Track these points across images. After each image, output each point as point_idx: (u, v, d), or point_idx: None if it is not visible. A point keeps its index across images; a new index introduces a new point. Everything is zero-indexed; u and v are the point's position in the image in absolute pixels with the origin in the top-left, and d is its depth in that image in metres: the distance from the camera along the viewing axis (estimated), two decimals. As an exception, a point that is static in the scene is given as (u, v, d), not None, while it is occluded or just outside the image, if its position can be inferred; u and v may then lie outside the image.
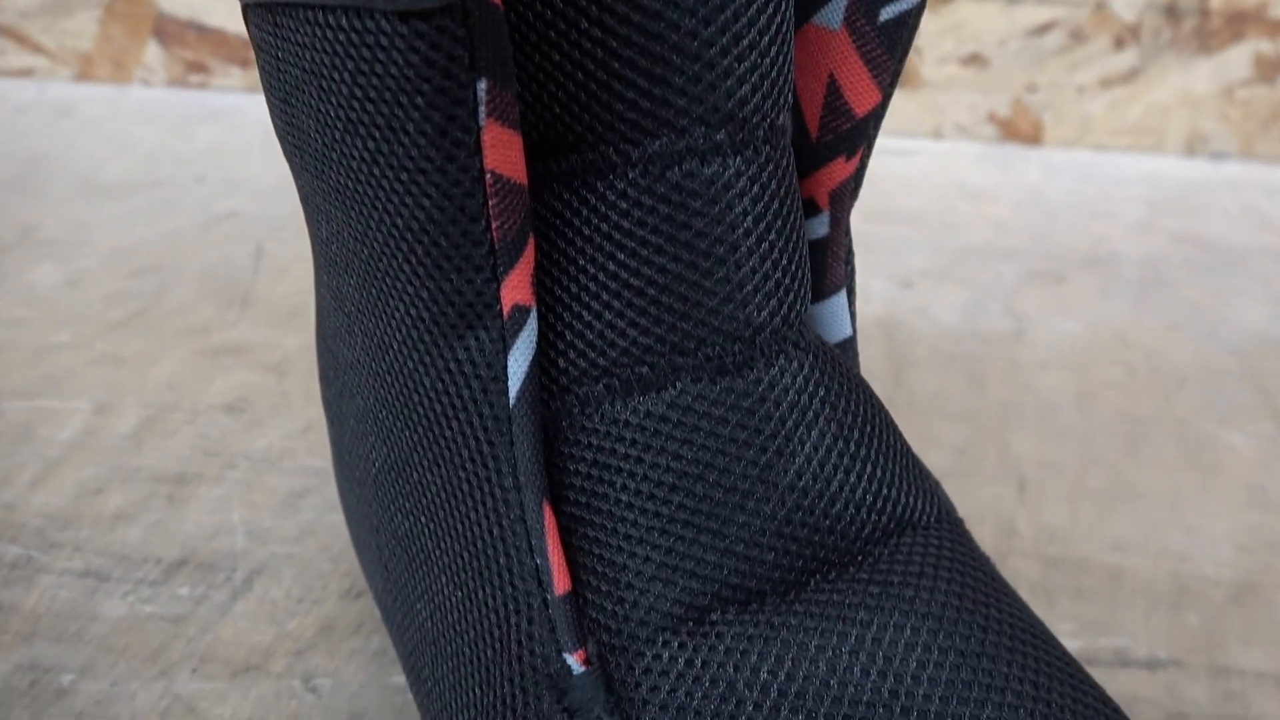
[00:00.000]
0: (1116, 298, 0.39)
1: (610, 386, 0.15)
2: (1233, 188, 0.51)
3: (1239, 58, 0.52)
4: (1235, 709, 0.21)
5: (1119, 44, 0.53)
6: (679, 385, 0.14)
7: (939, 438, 0.30)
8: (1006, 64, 0.55)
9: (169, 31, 0.62)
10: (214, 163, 0.52)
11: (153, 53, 0.63)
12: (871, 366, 0.34)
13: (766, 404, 0.14)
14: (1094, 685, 0.15)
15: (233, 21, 0.61)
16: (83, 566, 0.24)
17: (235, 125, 0.57)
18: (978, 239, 0.44)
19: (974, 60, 0.55)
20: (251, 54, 0.61)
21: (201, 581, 0.24)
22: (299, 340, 0.35)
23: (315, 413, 0.31)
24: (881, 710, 0.13)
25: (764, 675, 0.14)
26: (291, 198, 0.48)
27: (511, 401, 0.14)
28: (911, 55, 0.56)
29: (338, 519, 0.26)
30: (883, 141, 0.56)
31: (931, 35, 0.55)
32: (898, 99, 0.57)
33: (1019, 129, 0.56)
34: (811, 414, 0.15)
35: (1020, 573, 0.25)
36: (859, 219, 0.46)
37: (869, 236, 0.44)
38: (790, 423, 0.15)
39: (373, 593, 0.20)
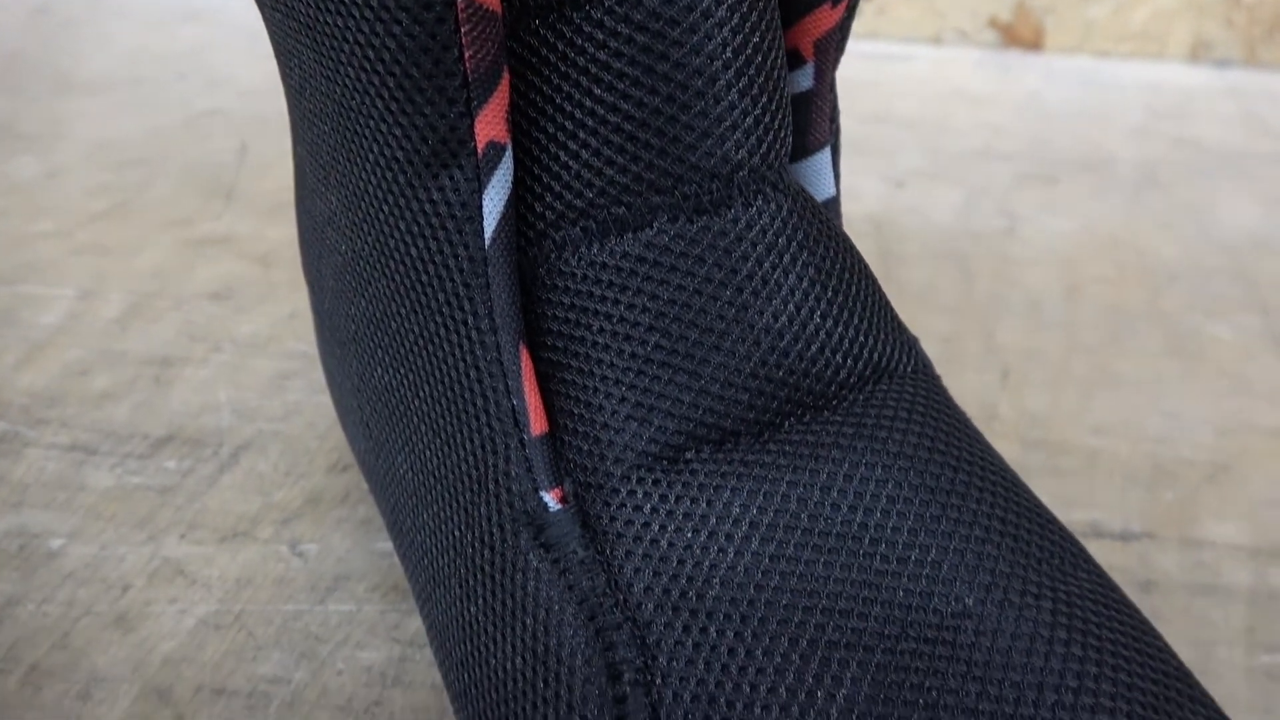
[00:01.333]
0: (1110, 198, 0.39)
1: (587, 229, 0.15)
2: (1234, 94, 0.50)
3: (1248, -41, 0.51)
4: (1205, 577, 0.22)
5: (1125, -56, 0.51)
6: (656, 225, 0.14)
7: (925, 328, 0.30)
8: (1009, -35, 0.53)
9: (147, -73, 0.60)
10: (195, 61, 0.50)
11: (131, -50, 0.61)
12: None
13: (744, 244, 0.14)
14: (1059, 524, 0.15)
15: (212, -83, 0.59)
16: (69, 441, 0.25)
17: (216, 25, 0.56)
18: (974, 142, 0.44)
19: (976, -39, 0.54)
20: (233, -48, 0.59)
21: (189, 456, 0.24)
22: (285, 233, 0.35)
23: (301, 301, 0.31)
24: (850, 542, 0.14)
25: (735, 510, 0.14)
26: (277, 97, 0.47)
27: (487, 241, 0.14)
28: (912, -44, 0.54)
29: (324, 399, 0.26)
30: (881, 47, 0.55)
31: (933, -66, 0.53)
32: (897, 3, 0.56)
33: (1020, 34, 0.55)
34: (789, 257, 0.15)
35: (999, 453, 0.25)
36: (853, 122, 0.45)
37: (863, 139, 0.44)
38: (768, 264, 0.15)
39: (356, 457, 0.20)
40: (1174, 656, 0.14)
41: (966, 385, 0.27)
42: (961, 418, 0.16)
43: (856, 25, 0.56)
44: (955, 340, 0.29)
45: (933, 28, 0.55)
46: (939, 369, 0.28)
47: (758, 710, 0.13)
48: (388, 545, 0.22)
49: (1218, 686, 0.19)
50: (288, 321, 0.29)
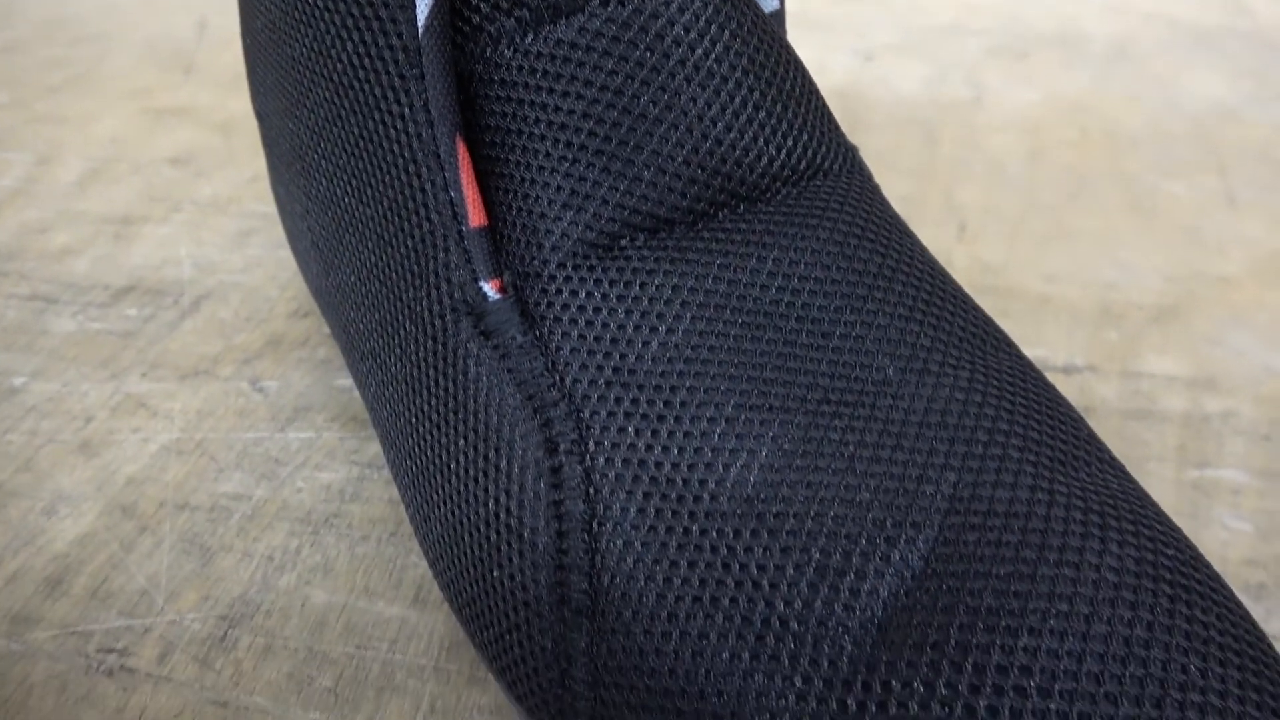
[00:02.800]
0: (1079, 70, 0.38)
1: (521, 19, 0.15)
2: (1212, -26, 0.49)
3: None
4: (1141, 404, 0.22)
5: None
6: (588, 9, 0.14)
7: (886, 187, 0.30)
8: None
9: None
10: (153, -56, 0.49)
11: None
12: (826, 129, 0.34)
13: (676, 28, 0.14)
14: (982, 313, 0.15)
15: None
16: (29, 291, 0.25)
17: (175, -91, 0.54)
18: (945, 19, 0.43)
19: None
20: None
21: (149, 304, 0.24)
22: (245, 105, 0.34)
23: (261, 167, 0.30)
24: (778, 320, 0.14)
25: (668, 292, 0.14)
26: (237, -21, 0.46)
27: (420, 30, 0.14)
28: None
29: (285, 254, 0.26)
30: (858, -69, 0.54)
31: None
32: (875, -115, 0.54)
33: (999, -84, 0.53)
34: (722, 46, 0.15)
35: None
36: (825, 2, 0.45)
37: (834, 16, 0.43)
38: (700, 51, 0.15)
39: (311, 288, 0.21)
40: (1085, 426, 0.14)
41: (923, 237, 0.28)
42: (892, 214, 0.16)
43: (834, -91, 0.55)
44: (915, 199, 0.30)
45: (911, -90, 0.54)
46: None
47: (685, 469, 0.13)
48: (347, 382, 0.22)
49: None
50: (249, 184, 0.29)
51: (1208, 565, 0.13)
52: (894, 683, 0.11)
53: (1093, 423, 0.22)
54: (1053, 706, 0.10)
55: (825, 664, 0.11)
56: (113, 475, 0.20)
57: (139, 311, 0.24)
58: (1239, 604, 0.12)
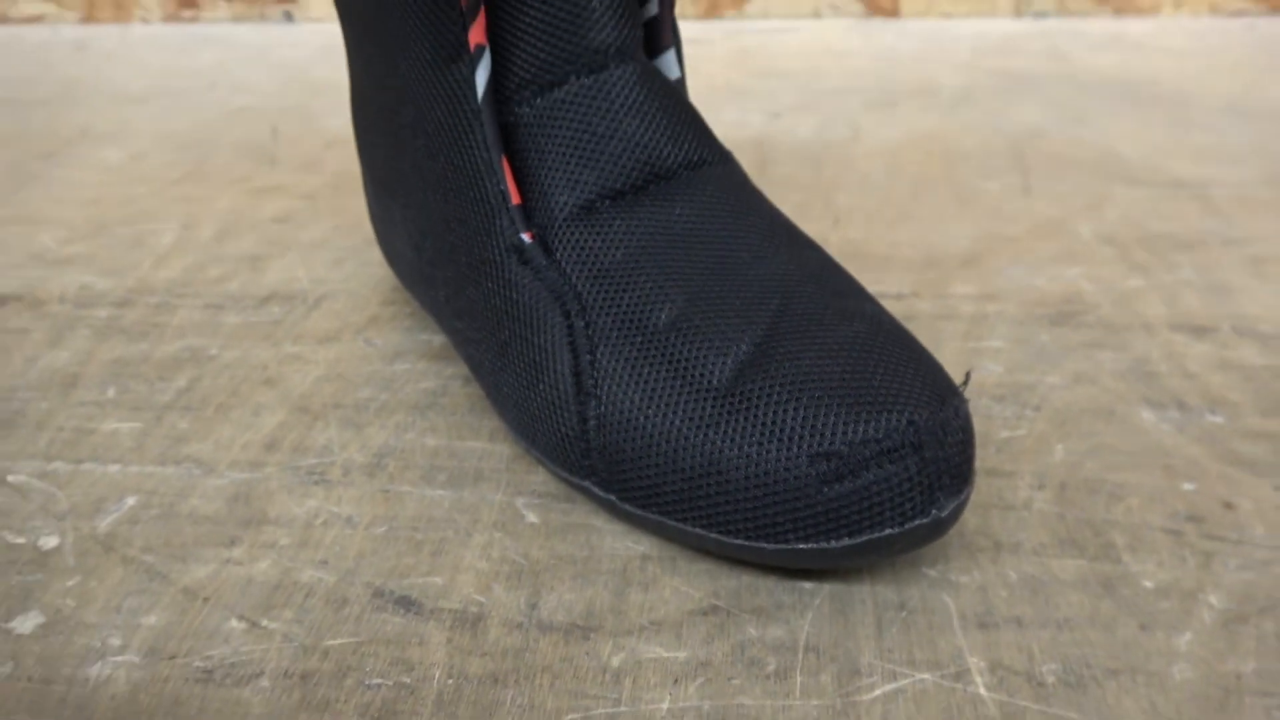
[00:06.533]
0: (933, 112, 0.51)
1: (532, 91, 0.27)
2: (1044, 35, 0.63)
3: (1048, -70, 0.64)
4: (945, 310, 0.34)
5: (952, -74, 0.65)
6: (568, 83, 0.27)
7: (783, 201, 0.42)
8: (866, -50, 0.66)
9: (161, -27, 0.72)
10: (220, 74, 0.62)
11: (148, -7, 0.73)
12: (744, 164, 0.46)
13: (618, 89, 0.27)
14: (812, 242, 0.27)
15: (217, -40, 0.71)
16: (203, 303, 0.36)
17: (230, 47, 0.68)
18: (835, 83, 0.56)
19: (839, -51, 0.67)
20: (235, -12, 0.71)
21: (286, 305, 0.36)
22: (321, 180, 0.47)
23: (343, 218, 0.43)
24: (690, 236, 0.26)
25: (626, 229, 0.26)
26: (293, 94, 0.59)
27: (479, 100, 0.27)
28: (789, -52, 0.67)
29: (372, 270, 0.38)
30: (773, 23, 0.68)
31: (803, -70, 0.66)
32: (783, -13, 0.69)
33: (881, 5, 0.68)
34: (645, 96, 0.27)
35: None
36: (746, 77, 0.58)
37: (752, 88, 0.56)
38: (632, 101, 0.27)
39: (401, 270, 0.32)
40: (868, 295, 0.26)
41: (808, 230, 0.40)
42: (753, 187, 0.28)
43: (752, 6, 0.69)
44: (805, 204, 0.42)
45: (811, 5, 0.68)
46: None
47: (638, 315, 0.25)
48: (425, 335, 0.34)
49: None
50: (333, 230, 0.42)
51: (915, 342, 0.24)
52: (744, 383, 0.23)
53: (912, 325, 0.33)
54: (808, 363, 0.22)
55: (715, 383, 0.23)
56: (290, 393, 0.31)
57: (280, 309, 0.36)
58: (929, 356, 0.24)
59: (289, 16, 0.70)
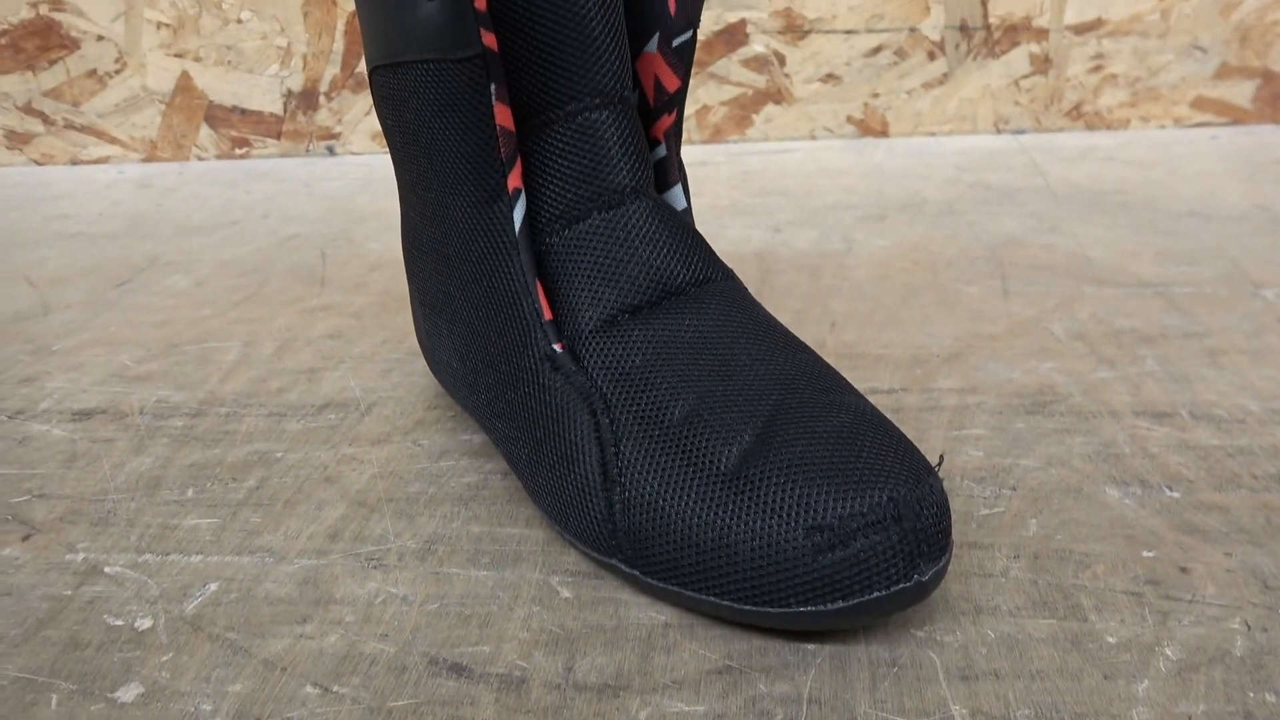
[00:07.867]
0: (919, 224, 0.56)
1: (561, 223, 0.32)
2: (1022, 151, 0.69)
3: (1019, 58, 0.70)
4: (929, 404, 0.38)
5: (931, 56, 0.71)
6: (591, 217, 0.31)
7: (784, 308, 0.47)
8: (854, 79, 0.73)
9: (217, 116, 0.80)
10: (272, 205, 0.69)
11: (204, 134, 0.80)
12: (748, 275, 0.51)
13: (634, 222, 0.31)
14: (808, 348, 0.32)
15: (268, 104, 0.79)
16: (267, 412, 0.41)
17: (279, 180, 0.74)
18: (830, 199, 0.62)
19: (830, 78, 0.73)
20: (283, 126, 0.78)
21: (341, 412, 0.40)
22: (368, 300, 0.52)
23: (388, 333, 0.47)
24: (699, 344, 0.30)
25: (644, 338, 0.30)
26: (338, 222, 0.65)
27: (516, 233, 0.31)
28: (783, 79, 0.74)
29: (416, 380, 0.43)
30: (773, 145, 0.74)
31: (796, 63, 0.73)
32: (781, 113, 0.75)
33: (870, 126, 0.74)
34: (656, 225, 0.32)
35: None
36: (748, 195, 0.64)
37: (754, 206, 0.62)
38: (647, 229, 0.32)
39: (445, 383, 0.37)
40: (855, 391, 0.30)
41: (806, 333, 0.44)
42: (754, 301, 0.32)
43: (754, 130, 0.75)
44: (803, 311, 0.46)
45: (807, 128, 0.75)
46: (792, 330, 0.45)
47: (656, 414, 0.29)
48: (467, 436, 0.38)
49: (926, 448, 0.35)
50: (381, 344, 0.46)
51: (894, 430, 0.28)
52: (748, 468, 0.26)
53: (898, 417, 0.37)
54: (800, 450, 0.26)
55: (723, 468, 0.27)
56: (348, 490, 0.35)
57: (336, 416, 0.40)
58: (907, 442, 0.28)
59: (331, 151, 0.77)
